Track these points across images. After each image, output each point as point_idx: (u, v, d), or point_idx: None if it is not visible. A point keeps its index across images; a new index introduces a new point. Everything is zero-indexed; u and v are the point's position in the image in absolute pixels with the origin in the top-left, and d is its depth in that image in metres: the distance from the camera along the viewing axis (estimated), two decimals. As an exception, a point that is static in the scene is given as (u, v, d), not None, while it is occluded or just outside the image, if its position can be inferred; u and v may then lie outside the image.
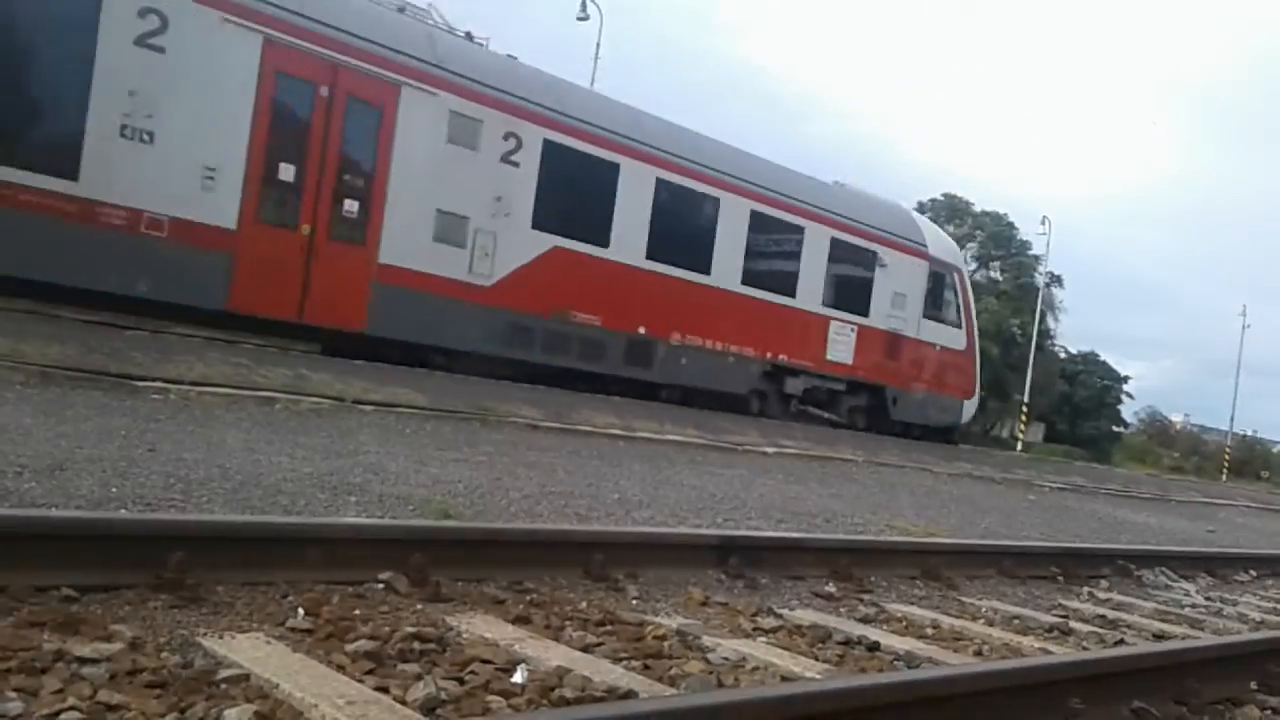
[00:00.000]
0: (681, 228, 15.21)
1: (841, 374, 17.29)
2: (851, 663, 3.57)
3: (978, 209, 49.78)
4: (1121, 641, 4.74)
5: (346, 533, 3.75)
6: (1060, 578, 6.39)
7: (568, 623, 3.50)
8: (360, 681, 2.58)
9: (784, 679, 3.18)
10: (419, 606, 3.43)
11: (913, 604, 4.92)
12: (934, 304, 18.78)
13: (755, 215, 15.84)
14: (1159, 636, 5.06)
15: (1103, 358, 58.73)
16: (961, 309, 19.43)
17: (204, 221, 11.04)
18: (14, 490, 4.09)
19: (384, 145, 12.39)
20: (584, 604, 3.83)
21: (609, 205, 14.39)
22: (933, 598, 5.20)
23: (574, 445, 9.26)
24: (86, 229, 10.29)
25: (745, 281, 15.79)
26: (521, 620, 3.42)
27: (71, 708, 2.18)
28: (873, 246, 17.59)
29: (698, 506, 6.87)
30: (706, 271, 15.34)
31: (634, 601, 4.05)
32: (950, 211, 48.41)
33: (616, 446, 9.87)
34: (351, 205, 12.23)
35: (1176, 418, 70.44)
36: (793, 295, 16.38)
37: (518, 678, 2.79)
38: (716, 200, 15.41)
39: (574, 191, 14.22)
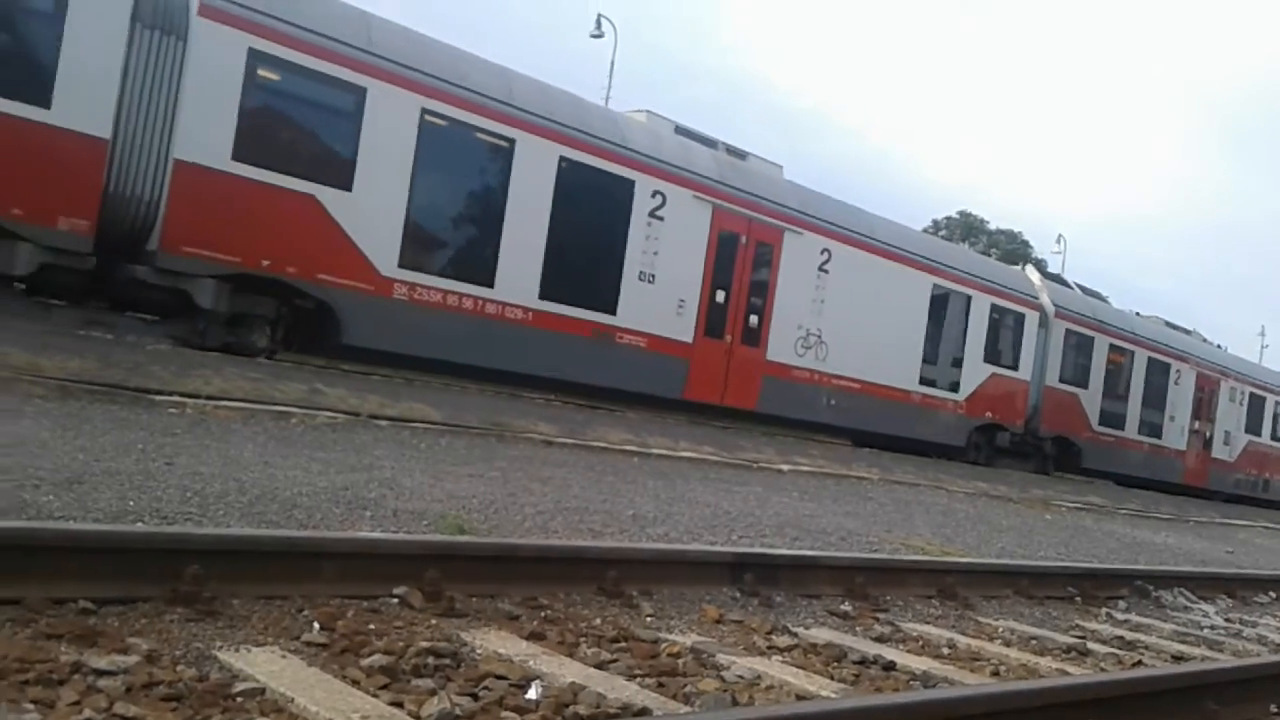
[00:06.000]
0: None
1: None
2: (867, 682, 3.56)
3: (992, 227, 49.81)
4: (1140, 663, 4.70)
5: (361, 547, 3.76)
6: (1078, 598, 6.34)
7: (582, 639, 3.49)
8: (375, 696, 2.58)
9: (799, 697, 3.17)
10: (434, 621, 3.43)
11: (929, 623, 4.89)
12: None
13: None
14: (1178, 658, 5.02)
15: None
16: None
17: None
18: (32, 503, 4.12)
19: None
20: (598, 620, 3.82)
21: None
22: (949, 617, 5.16)
23: (589, 461, 9.26)
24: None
25: None
26: (536, 636, 3.42)
27: (88, 719, 2.19)
28: None
29: (712, 524, 6.85)
30: None
31: (649, 618, 4.05)
32: (965, 229, 48.44)
33: (631, 463, 9.86)
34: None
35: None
36: None
37: (532, 694, 2.79)
38: None
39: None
